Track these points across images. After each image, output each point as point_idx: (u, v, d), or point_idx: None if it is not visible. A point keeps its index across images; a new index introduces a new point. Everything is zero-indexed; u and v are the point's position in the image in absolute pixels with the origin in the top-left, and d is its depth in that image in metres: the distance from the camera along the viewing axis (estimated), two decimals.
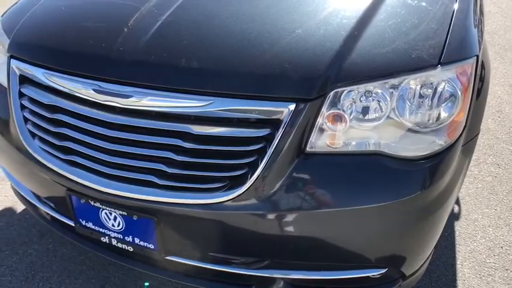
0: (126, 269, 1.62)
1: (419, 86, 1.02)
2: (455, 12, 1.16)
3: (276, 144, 0.97)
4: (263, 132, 0.97)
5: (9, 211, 1.93)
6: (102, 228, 1.18)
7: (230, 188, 1.00)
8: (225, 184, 1.00)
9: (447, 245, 1.74)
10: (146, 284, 1.51)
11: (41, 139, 1.20)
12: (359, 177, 0.99)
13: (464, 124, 1.09)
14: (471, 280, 1.59)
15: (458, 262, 1.67)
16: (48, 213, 1.40)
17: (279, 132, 0.96)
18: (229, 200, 0.99)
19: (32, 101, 1.21)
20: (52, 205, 1.32)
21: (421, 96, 1.03)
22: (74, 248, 1.72)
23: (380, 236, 1.04)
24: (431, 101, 1.03)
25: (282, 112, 0.96)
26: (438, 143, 1.04)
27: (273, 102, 0.96)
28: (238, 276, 1.16)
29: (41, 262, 1.66)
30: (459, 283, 1.58)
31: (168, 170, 1.02)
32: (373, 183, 0.99)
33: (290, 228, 1.01)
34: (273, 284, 1.15)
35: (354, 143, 1.02)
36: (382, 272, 1.09)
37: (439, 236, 1.24)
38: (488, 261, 1.67)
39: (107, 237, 1.19)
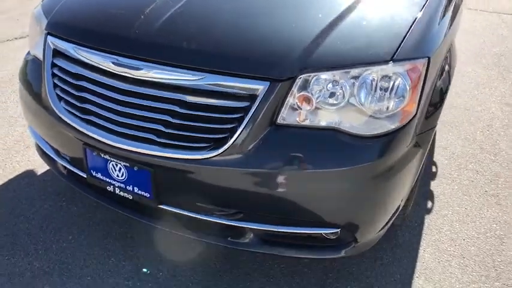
0: (126, 227, 1.86)
1: (378, 79, 1.24)
2: (418, 18, 1.38)
3: (251, 114, 1.20)
4: (242, 104, 1.21)
5: (31, 173, 2.21)
6: (109, 178, 1.42)
7: (213, 147, 1.23)
8: (210, 144, 1.24)
9: (414, 233, 1.92)
10: (145, 270, 1.72)
11: (66, 101, 1.46)
12: (319, 147, 1.21)
13: (414, 113, 1.30)
14: (429, 263, 1.77)
15: (421, 248, 1.84)
16: (64, 168, 1.66)
17: (254, 105, 1.19)
18: (212, 157, 1.22)
19: (62, 70, 1.48)
20: (69, 159, 1.57)
21: (378, 87, 1.24)
22: (83, 207, 1.97)
23: (334, 198, 1.25)
24: (387, 92, 1.24)
25: (258, 89, 1.19)
26: (390, 127, 1.25)
27: (251, 80, 1.20)
28: (219, 227, 1.38)
29: (54, 215, 1.92)
30: (418, 264, 1.75)
31: (165, 130, 1.26)
32: (331, 152, 1.21)
33: (258, 184, 1.23)
34: (244, 235, 1.37)
35: (318, 120, 1.24)
36: (334, 231, 1.29)
37: (392, 212, 1.43)
38: (448, 249, 1.85)
39: (111, 186, 1.43)
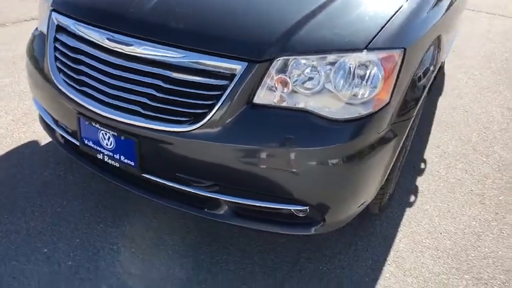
0: (117, 197, 1.97)
1: (353, 66, 1.30)
2: (401, 9, 1.44)
3: (229, 92, 1.28)
4: (221, 82, 1.29)
5: (35, 143, 2.34)
6: (99, 147, 1.52)
7: (193, 122, 1.32)
8: (190, 119, 1.33)
9: (392, 224, 1.98)
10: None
11: (65, 73, 1.57)
12: (292, 127, 1.29)
13: (387, 102, 1.35)
14: (403, 252, 1.82)
15: (397, 238, 1.90)
16: (62, 137, 1.77)
17: (232, 84, 1.27)
18: (190, 130, 1.31)
19: (62, 44, 1.59)
20: (65, 128, 1.68)
21: (353, 74, 1.30)
22: (80, 177, 2.09)
23: (304, 177, 1.32)
24: (361, 80, 1.31)
25: (236, 69, 1.27)
26: (362, 112, 1.31)
27: (230, 60, 1.28)
28: (197, 198, 1.47)
29: (52, 183, 2.04)
30: (391, 253, 1.81)
31: (150, 103, 1.36)
32: (302, 133, 1.28)
33: (232, 158, 1.31)
34: (219, 208, 1.46)
35: (293, 102, 1.31)
36: (303, 209, 1.37)
37: (363, 197, 1.49)
38: (424, 241, 1.90)
39: (101, 154, 1.53)
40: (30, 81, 1.81)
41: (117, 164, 1.51)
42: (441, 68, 3.96)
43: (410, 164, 2.45)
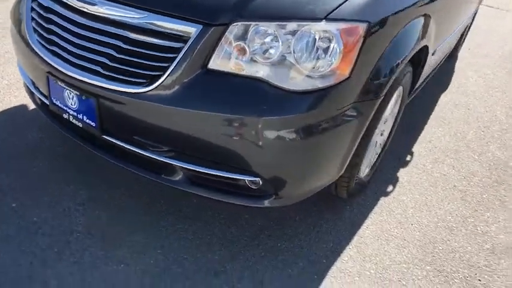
0: (90, 162, 2.00)
1: (312, 37, 1.27)
2: None
3: (182, 55, 1.27)
4: (176, 45, 1.29)
5: (24, 107, 2.40)
6: (65, 106, 1.55)
7: (148, 84, 1.32)
8: (146, 80, 1.33)
9: (363, 211, 1.94)
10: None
11: (38, 33, 1.60)
12: (245, 95, 1.27)
13: (347, 77, 1.32)
14: (367, 239, 1.79)
15: (364, 225, 1.86)
16: (39, 99, 1.82)
17: (186, 46, 1.27)
18: (145, 92, 1.32)
19: (38, 4, 1.62)
20: (39, 88, 1.72)
21: (311, 45, 1.27)
22: (59, 143, 2.13)
23: (255, 147, 1.30)
24: (319, 51, 1.28)
25: (191, 31, 1.27)
26: (318, 85, 1.29)
27: (185, 22, 1.27)
28: (155, 164, 1.48)
29: (34, 146, 2.10)
30: (355, 238, 1.78)
31: (109, 63, 1.37)
32: (255, 102, 1.26)
33: (185, 123, 1.31)
34: (176, 174, 1.46)
35: (249, 70, 1.29)
36: (254, 180, 1.36)
37: (320, 175, 1.47)
38: (392, 231, 1.85)
39: (67, 114, 1.56)
40: (14, 46, 1.86)
41: (80, 124, 1.53)
42: (443, 59, 3.82)
43: (396, 155, 2.39)
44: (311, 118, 1.29)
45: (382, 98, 1.50)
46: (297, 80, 1.28)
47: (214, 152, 1.34)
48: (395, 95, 1.79)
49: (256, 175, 1.36)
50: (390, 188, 2.13)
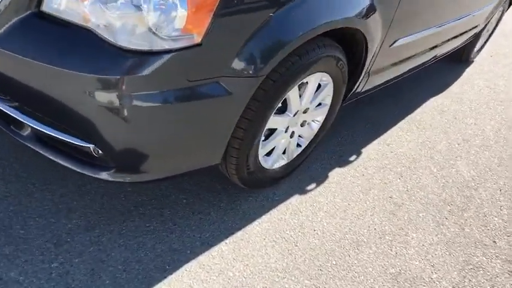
0: None
1: None
2: None
3: None
4: None
5: None
6: None
7: None
8: None
9: (264, 205, 1.71)
10: None
11: None
12: (72, 46, 1.08)
13: (198, 43, 1.08)
14: (253, 237, 1.57)
15: (258, 221, 1.64)
16: None
17: None
18: None
19: None
20: None
21: None
22: None
23: (82, 108, 1.12)
24: (165, 6, 1.06)
25: None
26: (159, 48, 1.07)
27: None
28: (5, 115, 1.34)
29: None
30: (239, 233, 1.57)
31: None
32: (80, 55, 1.08)
33: (15, 69, 1.15)
34: (24, 128, 1.32)
35: (82, 18, 1.09)
36: (85, 145, 1.19)
37: (177, 155, 1.28)
38: (286, 233, 1.63)
39: None
40: None
41: None
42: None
43: (338, 152, 2.13)
44: (147, 85, 1.08)
45: (263, 77, 1.26)
46: (137, 37, 1.08)
47: (47, 108, 1.18)
48: (311, 81, 1.54)
49: (87, 140, 1.19)
50: (312, 186, 1.89)
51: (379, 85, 2.13)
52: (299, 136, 1.80)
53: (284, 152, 1.76)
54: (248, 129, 1.38)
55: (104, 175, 1.25)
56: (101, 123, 1.15)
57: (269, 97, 1.36)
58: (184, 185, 1.72)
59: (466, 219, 1.91)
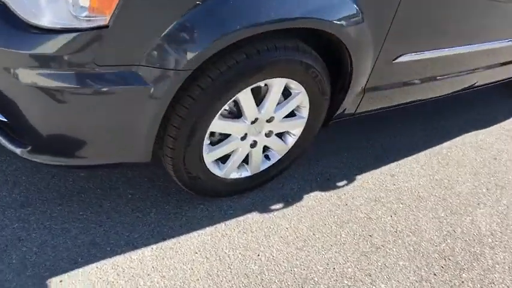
0: None
1: None
2: None
3: None
4: None
5: None
6: None
7: None
8: None
9: (216, 217, 1.55)
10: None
11: None
12: None
13: (105, 24, 0.99)
14: (182, 248, 1.43)
15: (198, 233, 1.50)
16: None
17: None
18: None
19: None
20: None
21: None
22: None
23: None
24: None
25: None
26: (62, 26, 1.00)
27: None
28: None
29: None
30: (169, 241, 1.44)
31: None
32: None
33: None
34: None
35: None
36: (2, 118, 1.16)
37: (91, 146, 1.20)
38: (224, 252, 1.45)
39: None
40: None
41: None
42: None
43: (324, 174, 1.89)
44: (51, 64, 1.01)
45: (188, 72, 1.11)
46: (45, 13, 1.01)
47: None
48: (273, 87, 1.36)
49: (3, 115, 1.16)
50: (278, 206, 1.69)
51: (382, 107, 1.85)
52: (267, 148, 1.62)
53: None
54: (181, 128, 1.26)
55: (18, 151, 1.22)
56: (9, 99, 1.11)
57: (208, 96, 1.23)
58: (136, 180, 1.65)
59: (463, 281, 1.55)
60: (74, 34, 1.00)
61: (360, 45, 1.41)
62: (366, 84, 1.63)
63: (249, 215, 1.61)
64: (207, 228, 1.52)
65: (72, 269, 1.30)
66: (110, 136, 1.20)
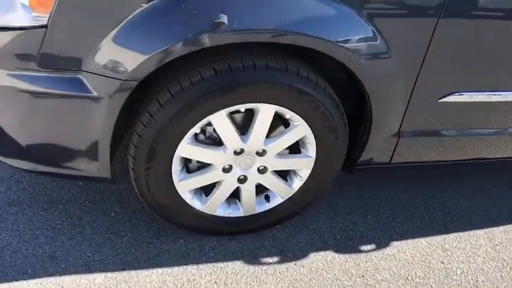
0: None
1: None
2: None
3: None
4: None
5: None
6: None
7: None
8: None
9: (189, 255, 1.34)
10: None
11: None
12: None
13: (44, 24, 0.91)
14: (142, 283, 1.23)
15: (162, 269, 1.29)
16: None
17: None
18: None
19: None
20: None
21: None
22: None
23: None
24: None
25: None
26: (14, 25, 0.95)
27: None
28: None
29: None
30: (130, 273, 1.26)
31: None
32: None
33: None
34: None
35: None
36: None
37: (44, 154, 1.13)
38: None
39: None
40: None
41: None
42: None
43: (348, 233, 1.52)
44: None
45: (134, 83, 0.95)
46: None
47: None
48: (259, 114, 1.12)
49: None
50: (272, 260, 1.37)
51: (432, 160, 1.40)
52: (266, 188, 1.35)
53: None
54: (139, 147, 1.10)
55: None
56: None
57: (167, 114, 1.05)
58: (129, 199, 1.54)
59: None
60: (16, 32, 0.95)
61: (378, 75, 1.09)
62: (400, 126, 1.27)
63: (230, 264, 1.36)
64: (175, 267, 1.32)
65: (17, 280, 1.22)
66: (53, 143, 1.11)
